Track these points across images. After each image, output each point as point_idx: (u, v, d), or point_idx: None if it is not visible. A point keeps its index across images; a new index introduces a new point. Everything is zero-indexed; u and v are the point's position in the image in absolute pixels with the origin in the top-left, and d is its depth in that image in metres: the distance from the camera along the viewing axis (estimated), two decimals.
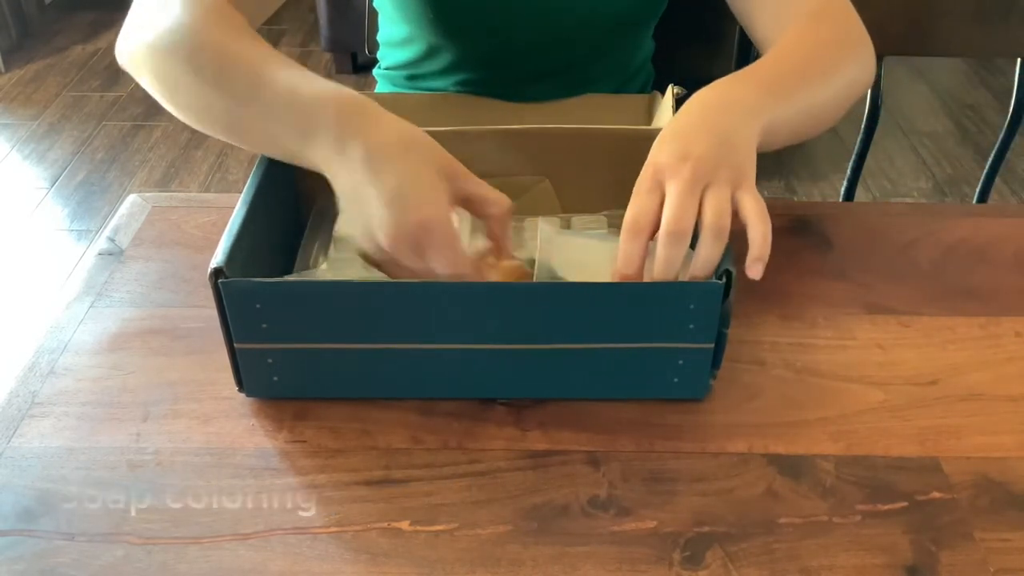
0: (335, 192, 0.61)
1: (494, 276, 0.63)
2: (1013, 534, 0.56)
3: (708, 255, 0.58)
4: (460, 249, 0.58)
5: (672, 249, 0.58)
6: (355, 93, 0.62)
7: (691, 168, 0.59)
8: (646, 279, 0.59)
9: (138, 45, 0.69)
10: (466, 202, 0.61)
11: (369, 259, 0.61)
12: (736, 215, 0.59)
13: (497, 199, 0.62)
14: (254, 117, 0.64)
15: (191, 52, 0.65)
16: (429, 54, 0.94)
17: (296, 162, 0.63)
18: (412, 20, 0.92)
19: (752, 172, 0.61)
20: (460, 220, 0.64)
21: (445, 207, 0.59)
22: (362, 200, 0.59)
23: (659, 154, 0.61)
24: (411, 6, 0.89)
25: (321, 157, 0.60)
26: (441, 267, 0.58)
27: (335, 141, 0.59)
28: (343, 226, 0.69)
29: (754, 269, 0.58)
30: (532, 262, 0.67)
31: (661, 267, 0.58)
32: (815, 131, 0.74)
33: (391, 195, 0.57)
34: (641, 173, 0.61)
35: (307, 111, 0.61)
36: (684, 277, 0.59)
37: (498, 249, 0.64)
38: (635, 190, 0.60)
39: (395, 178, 0.58)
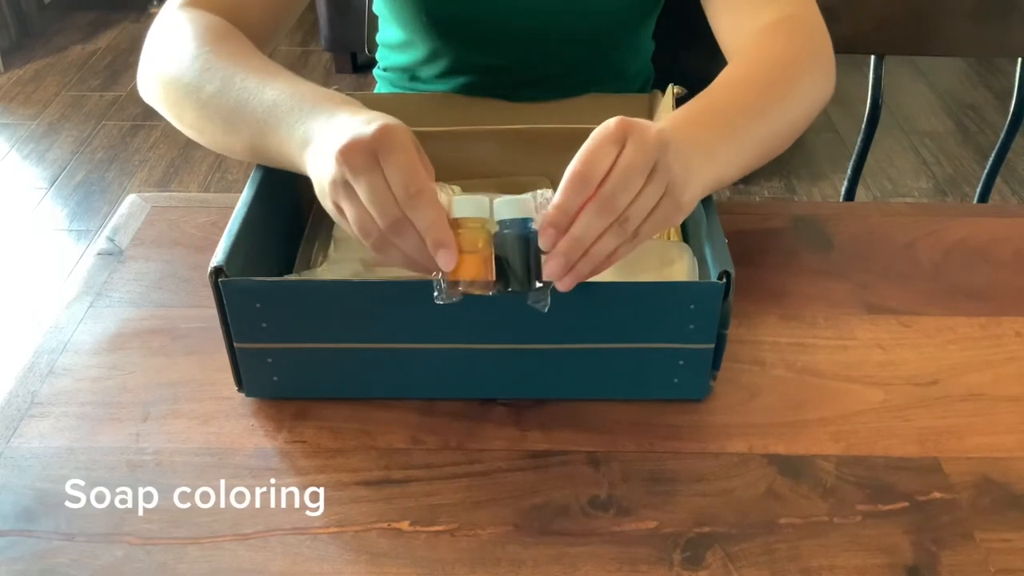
0: (314, 184, 0.60)
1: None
2: (1014, 534, 0.56)
3: (608, 249, 0.55)
4: (417, 161, 0.54)
5: (594, 220, 0.54)
6: (327, 91, 0.62)
7: (658, 141, 0.55)
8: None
9: (148, 76, 0.73)
10: None
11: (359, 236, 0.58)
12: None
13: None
14: (245, 133, 0.65)
15: (191, 77, 0.68)
16: (428, 59, 0.94)
17: (284, 165, 0.63)
18: (409, 26, 0.92)
19: (688, 202, 0.59)
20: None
21: (406, 129, 0.55)
22: (320, 162, 0.57)
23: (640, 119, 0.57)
24: (407, 13, 0.89)
25: (297, 153, 0.60)
26: (396, 174, 0.53)
27: (305, 133, 0.60)
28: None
29: (556, 273, 0.54)
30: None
31: (571, 241, 0.54)
32: (769, 159, 0.72)
33: (348, 123, 0.56)
34: (611, 120, 0.56)
35: (286, 115, 0.61)
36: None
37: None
38: (596, 134, 0.55)
39: (351, 118, 0.56)
